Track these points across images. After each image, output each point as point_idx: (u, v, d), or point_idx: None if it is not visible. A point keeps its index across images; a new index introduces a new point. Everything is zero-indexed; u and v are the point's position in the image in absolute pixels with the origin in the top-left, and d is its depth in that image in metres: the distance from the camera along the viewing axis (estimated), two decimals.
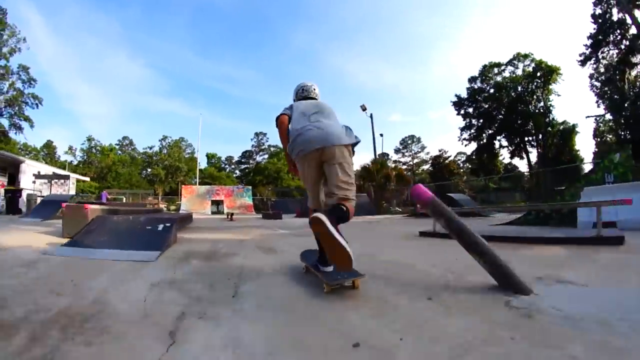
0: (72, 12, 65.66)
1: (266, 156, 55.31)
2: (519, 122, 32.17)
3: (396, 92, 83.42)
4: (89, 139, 47.54)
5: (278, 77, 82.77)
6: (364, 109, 22.62)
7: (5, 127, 32.67)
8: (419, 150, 54.59)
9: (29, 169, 16.54)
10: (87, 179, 27.87)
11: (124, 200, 21.48)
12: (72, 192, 19.80)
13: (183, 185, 25.43)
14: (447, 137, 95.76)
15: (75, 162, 46.09)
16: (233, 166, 58.71)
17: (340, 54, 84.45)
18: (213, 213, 21.19)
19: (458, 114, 36.23)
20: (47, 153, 46.29)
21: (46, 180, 16.80)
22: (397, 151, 55.42)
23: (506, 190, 27.41)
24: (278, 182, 42.97)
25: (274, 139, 64.39)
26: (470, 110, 35.74)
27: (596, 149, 27.17)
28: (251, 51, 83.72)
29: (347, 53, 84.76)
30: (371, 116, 22.95)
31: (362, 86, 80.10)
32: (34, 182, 15.30)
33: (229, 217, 10.62)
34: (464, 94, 35.55)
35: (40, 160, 43.04)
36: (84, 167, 44.90)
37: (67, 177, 18.66)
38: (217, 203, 25.63)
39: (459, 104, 36.04)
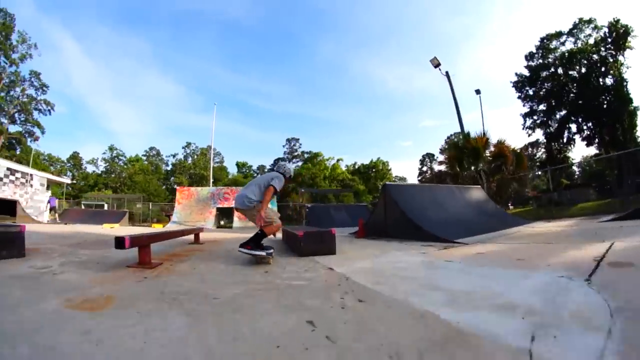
0: (103, 36, 71.45)
1: (300, 163, 52.94)
2: (595, 103, 25.94)
3: (427, 97, 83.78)
4: (111, 149, 47.56)
5: (307, 88, 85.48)
6: (436, 64, 17.56)
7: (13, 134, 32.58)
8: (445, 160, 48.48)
9: None
10: (66, 181, 25.82)
11: (105, 208, 19.53)
12: (44, 196, 17.84)
13: (177, 187, 21.52)
14: None
15: (98, 172, 46.14)
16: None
17: (368, 61, 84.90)
18: (219, 227, 18.07)
19: (519, 97, 30.88)
20: (74, 164, 46.82)
21: None
22: (442, 151, 50.28)
23: (580, 187, 21.85)
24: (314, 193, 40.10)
25: (307, 144, 67.02)
26: (532, 92, 30.15)
27: None
28: (279, 64, 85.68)
29: (375, 60, 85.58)
30: (447, 75, 17.70)
31: (393, 93, 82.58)
32: None
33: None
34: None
35: (64, 170, 43.45)
36: (106, 176, 44.81)
37: (27, 175, 16.50)
38: (225, 213, 22.02)
39: (520, 84, 30.54)
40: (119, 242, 3.14)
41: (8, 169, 15.77)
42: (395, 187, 8.13)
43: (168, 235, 4.57)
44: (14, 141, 33.11)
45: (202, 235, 7.46)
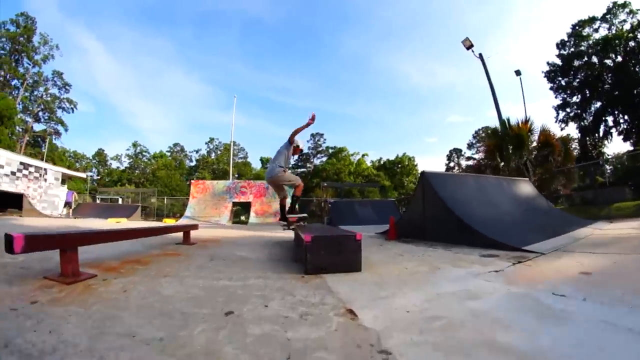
0: (128, 37, 73.91)
1: (324, 158, 51.72)
2: (634, 93, 23.35)
3: (452, 92, 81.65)
4: (135, 145, 48.14)
5: (331, 84, 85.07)
6: (468, 45, 15.32)
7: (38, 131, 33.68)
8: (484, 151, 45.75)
9: None
10: (82, 175, 25.92)
11: (120, 202, 19.09)
12: (58, 190, 17.55)
13: (192, 181, 20.34)
14: None
15: (122, 168, 46.84)
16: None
17: (391, 55, 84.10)
18: (234, 223, 16.92)
19: (551, 88, 28.63)
20: (99, 161, 47.78)
21: (9, 172, 14.41)
22: (469, 146, 48.80)
23: (614, 185, 19.11)
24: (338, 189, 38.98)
25: (331, 140, 66.05)
26: (564, 82, 27.87)
27: None
28: (302, 60, 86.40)
29: (399, 54, 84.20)
30: (481, 57, 15.67)
31: (417, 88, 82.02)
32: None
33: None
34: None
35: (89, 166, 44.39)
36: (130, 172, 45.41)
37: (41, 169, 16.23)
38: (241, 208, 21.08)
39: (552, 74, 28.15)
40: (8, 242, 1.94)
41: (21, 163, 15.67)
42: (437, 177, 6.52)
43: (121, 235, 3.33)
44: (39, 139, 33.87)
45: (200, 234, 6.31)
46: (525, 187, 8.53)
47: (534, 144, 13.61)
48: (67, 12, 60.58)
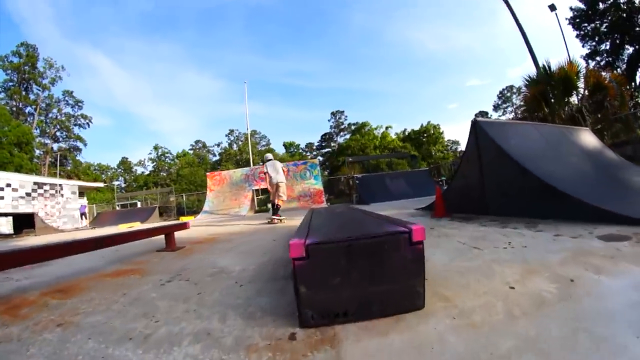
0: (134, 48, 76.20)
1: (348, 136, 50.06)
2: None
3: (469, 55, 78.68)
4: (156, 148, 48.44)
5: (346, 61, 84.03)
6: None
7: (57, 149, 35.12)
8: (522, 102, 42.89)
9: None
10: (101, 185, 26.46)
11: (139, 205, 18.65)
12: (76, 203, 17.47)
13: (207, 173, 19.11)
14: None
15: (147, 173, 47.42)
16: (315, 152, 54.87)
17: (403, 24, 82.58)
18: (256, 212, 15.68)
19: (577, 36, 25.16)
20: (124, 169, 48.63)
21: (24, 194, 14.40)
22: (496, 108, 46.64)
23: None
24: (365, 162, 37.54)
25: (353, 115, 66.08)
26: (590, 28, 24.46)
27: None
28: (313, 42, 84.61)
29: (411, 22, 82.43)
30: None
31: (433, 56, 79.10)
32: (1, 197, 13.09)
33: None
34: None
35: (115, 176, 45.32)
36: (155, 175, 45.85)
37: (56, 186, 16.13)
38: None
39: (577, 20, 24.69)
40: None
41: (35, 183, 15.69)
42: (495, 126, 4.74)
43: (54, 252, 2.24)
44: (62, 159, 34.90)
45: (201, 231, 5.08)
46: (588, 138, 6.42)
47: (582, 89, 11.33)
48: (70, 36, 64.13)
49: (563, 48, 21.40)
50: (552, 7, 18.89)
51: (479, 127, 4.52)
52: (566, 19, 25.45)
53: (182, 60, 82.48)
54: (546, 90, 11.19)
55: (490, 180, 4.34)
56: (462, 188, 5.16)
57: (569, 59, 11.78)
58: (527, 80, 11.93)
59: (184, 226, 4.53)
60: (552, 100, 11.14)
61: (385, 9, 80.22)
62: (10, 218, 13.07)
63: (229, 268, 2.64)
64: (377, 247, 1.33)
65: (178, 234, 4.31)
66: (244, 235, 5.03)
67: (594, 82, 10.90)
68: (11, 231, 12.75)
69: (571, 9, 25.09)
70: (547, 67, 11.48)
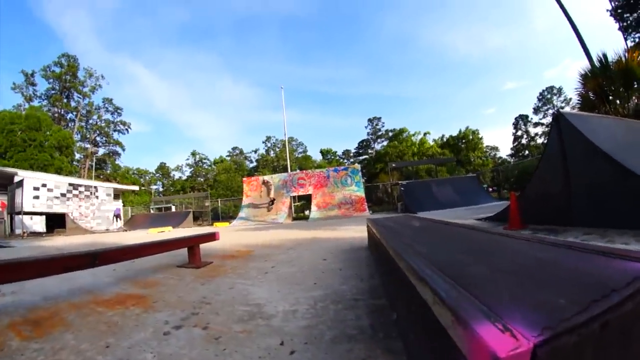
0: (172, 58, 78.72)
1: (385, 142, 49.23)
2: None
3: (504, 57, 74.38)
4: (193, 154, 49.86)
5: (381, 66, 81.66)
6: None
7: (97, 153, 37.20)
8: (563, 104, 40.20)
9: (29, 182, 14.29)
10: (136, 188, 27.26)
11: (173, 210, 18.64)
12: (111, 205, 17.93)
13: (244, 179, 19.07)
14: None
15: (184, 178, 48.84)
16: (352, 159, 54.39)
17: (434, 27, 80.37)
18: (294, 220, 15.14)
19: (620, 28, 23.03)
20: (162, 174, 50.47)
21: (59, 194, 14.75)
22: (536, 110, 43.80)
23: None
24: (403, 168, 36.32)
25: (390, 122, 65.39)
26: (633, 19, 22.51)
27: None
28: (347, 49, 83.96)
29: (441, 24, 79.78)
30: None
31: (467, 59, 75.64)
32: (36, 197, 13.30)
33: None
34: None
35: (153, 180, 47.06)
36: (192, 180, 47.09)
37: (91, 188, 16.55)
38: (306, 202, 19.11)
39: (620, 10, 22.68)
40: None
41: (70, 184, 16.26)
42: (582, 120, 3.80)
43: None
44: (101, 162, 36.98)
45: (235, 240, 4.26)
46: None
47: None
48: (110, 48, 68.09)
49: (600, 45, 19.15)
50: None
51: (565, 122, 3.73)
52: (607, 10, 23.63)
53: (219, 68, 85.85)
54: (604, 85, 9.79)
55: (579, 185, 3.61)
56: (541, 195, 4.40)
57: (627, 47, 10.29)
58: (584, 76, 10.49)
59: (211, 237, 3.75)
60: (611, 97, 9.73)
61: (416, 10, 79.41)
62: (44, 217, 13.36)
63: (268, 307, 1.75)
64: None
65: (207, 243, 3.58)
66: (285, 250, 4.15)
67: None
68: (44, 230, 12.97)
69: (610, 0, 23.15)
70: (603, 59, 10.04)
